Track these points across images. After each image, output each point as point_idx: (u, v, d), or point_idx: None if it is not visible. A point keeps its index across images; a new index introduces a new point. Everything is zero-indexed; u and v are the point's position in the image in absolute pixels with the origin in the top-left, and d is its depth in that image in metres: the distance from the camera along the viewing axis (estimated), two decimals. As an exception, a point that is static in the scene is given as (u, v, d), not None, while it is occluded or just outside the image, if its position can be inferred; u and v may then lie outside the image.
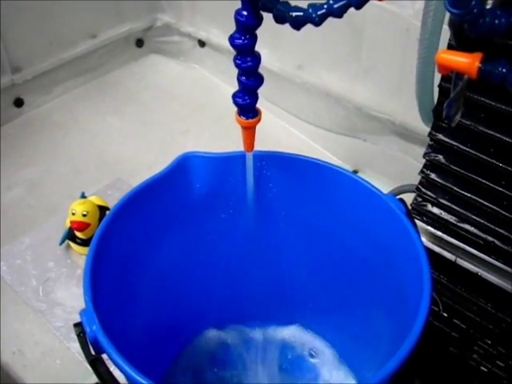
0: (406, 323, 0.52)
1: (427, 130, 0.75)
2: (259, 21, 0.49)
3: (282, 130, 1.22)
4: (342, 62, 1.06)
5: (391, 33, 0.93)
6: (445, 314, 0.76)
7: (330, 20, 0.44)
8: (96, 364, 0.49)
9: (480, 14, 0.39)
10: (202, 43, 1.37)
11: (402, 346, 0.47)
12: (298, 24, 0.45)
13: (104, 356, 0.49)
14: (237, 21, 0.49)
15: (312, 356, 0.76)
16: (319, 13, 0.43)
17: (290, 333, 0.78)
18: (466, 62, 0.41)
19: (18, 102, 1.24)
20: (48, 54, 1.26)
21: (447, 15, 0.42)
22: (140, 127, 1.25)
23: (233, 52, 0.52)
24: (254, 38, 0.50)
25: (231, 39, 0.50)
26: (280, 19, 0.46)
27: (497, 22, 0.40)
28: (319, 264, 0.72)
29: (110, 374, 0.49)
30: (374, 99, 1.02)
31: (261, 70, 0.54)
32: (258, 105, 0.57)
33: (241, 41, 0.50)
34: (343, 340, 0.75)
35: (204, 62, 1.40)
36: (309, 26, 0.45)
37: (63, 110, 1.28)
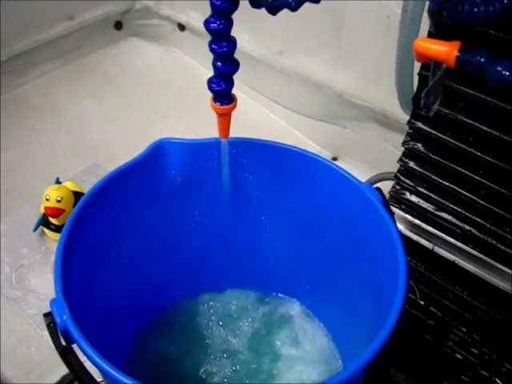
0: (382, 311, 0.52)
1: (407, 117, 0.75)
2: (235, 5, 0.47)
3: (262, 116, 1.21)
4: (322, 48, 1.05)
5: (372, 20, 0.92)
6: (421, 302, 0.77)
7: (311, 6, 0.43)
8: (66, 355, 0.48)
9: (459, 1, 0.38)
10: (181, 27, 1.35)
11: (376, 336, 0.46)
12: (274, 9, 0.43)
13: (75, 345, 0.48)
14: (212, 4, 0.47)
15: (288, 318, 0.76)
16: (296, -3, 0.42)
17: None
18: (444, 50, 0.41)
19: (-7, 85, 1.21)
20: (23, 36, 1.23)
21: (428, 2, 0.42)
22: (118, 111, 1.23)
23: (213, 36, 0.51)
24: (230, 23, 0.49)
25: (206, 23, 0.49)
26: (256, 3, 0.44)
27: (476, 10, 0.39)
28: (295, 251, 0.72)
29: (81, 364, 0.48)
30: (354, 86, 1.02)
31: (241, 56, 0.53)
32: (238, 90, 0.56)
33: (216, 25, 0.48)
34: (325, 313, 0.75)
35: (184, 45, 1.38)
36: (290, 12, 0.44)
37: (39, 93, 1.26)
